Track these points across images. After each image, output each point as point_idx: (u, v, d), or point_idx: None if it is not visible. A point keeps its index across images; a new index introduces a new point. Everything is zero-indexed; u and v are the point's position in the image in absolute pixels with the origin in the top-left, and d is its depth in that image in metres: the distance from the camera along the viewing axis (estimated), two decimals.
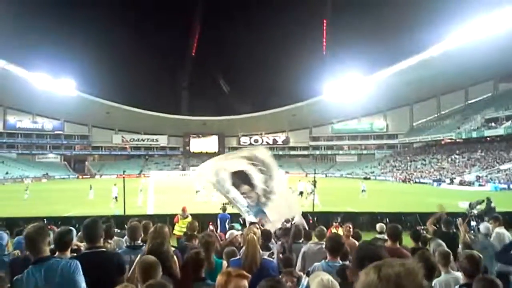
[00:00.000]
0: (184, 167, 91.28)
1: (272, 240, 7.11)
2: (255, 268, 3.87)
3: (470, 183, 49.66)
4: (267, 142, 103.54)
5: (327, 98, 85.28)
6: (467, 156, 63.94)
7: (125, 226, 8.65)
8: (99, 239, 3.61)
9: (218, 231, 10.75)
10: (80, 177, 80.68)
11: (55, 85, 74.06)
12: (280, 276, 3.86)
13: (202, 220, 13.25)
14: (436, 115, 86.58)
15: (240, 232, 7.67)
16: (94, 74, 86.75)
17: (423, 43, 63.96)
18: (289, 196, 8.50)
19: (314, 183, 22.59)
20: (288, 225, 8.26)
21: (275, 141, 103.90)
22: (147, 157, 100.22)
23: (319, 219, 15.85)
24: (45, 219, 13.75)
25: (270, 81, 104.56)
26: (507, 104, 64.97)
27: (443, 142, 76.92)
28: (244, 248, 4.18)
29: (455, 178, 54.07)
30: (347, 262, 4.57)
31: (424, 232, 7.91)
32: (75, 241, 5.45)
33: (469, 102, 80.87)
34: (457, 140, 70.81)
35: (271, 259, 4.49)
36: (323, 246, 4.80)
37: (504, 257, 4.71)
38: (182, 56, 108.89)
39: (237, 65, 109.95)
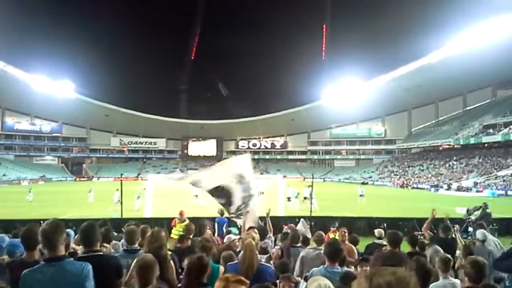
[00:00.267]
0: (182, 170, 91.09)
1: (270, 242, 7.10)
2: (252, 273, 3.85)
3: (467, 189, 49.73)
4: (265, 146, 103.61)
5: (326, 103, 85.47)
6: (464, 162, 64.02)
7: (122, 229, 8.62)
8: (96, 243, 3.58)
9: (216, 235, 10.73)
10: (78, 179, 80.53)
11: (53, 87, 74.16)
12: (278, 281, 3.84)
13: (200, 224, 13.20)
14: (434, 121, 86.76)
15: (238, 237, 7.66)
16: (92, 76, 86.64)
17: (422, 49, 64.33)
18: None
19: (311, 187, 22.58)
20: (289, 231, 8.25)
21: (273, 145, 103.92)
22: (145, 160, 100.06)
23: (316, 224, 15.83)
24: (41, 222, 13.70)
25: (269, 85, 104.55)
26: (505, 111, 65.19)
27: (441, 148, 77.06)
28: (241, 252, 4.17)
29: (452, 184, 54.12)
30: (351, 268, 4.57)
31: (422, 237, 7.90)
32: (72, 244, 5.45)
33: (467, 108, 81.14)
34: (455, 146, 70.95)
35: (268, 264, 4.47)
36: (322, 251, 4.78)
37: (499, 264, 4.70)
38: (181, 59, 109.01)
39: (236, 69, 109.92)
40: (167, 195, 27.67)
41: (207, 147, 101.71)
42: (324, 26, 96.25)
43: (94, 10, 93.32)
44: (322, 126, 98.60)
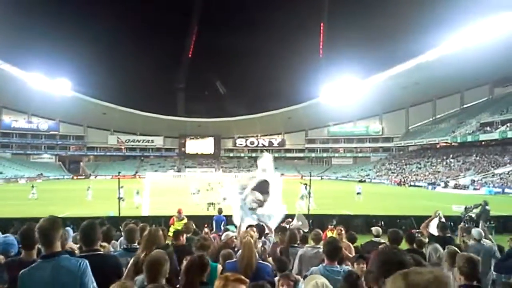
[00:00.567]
0: (180, 168, 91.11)
1: (268, 242, 7.10)
2: (251, 272, 3.85)
3: (464, 187, 49.89)
4: (263, 144, 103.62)
5: (323, 101, 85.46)
6: (462, 160, 64.17)
7: (120, 227, 8.62)
8: (97, 242, 3.58)
9: (213, 232, 10.74)
10: (75, 177, 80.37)
11: (50, 85, 73.92)
12: (277, 279, 3.84)
13: (198, 222, 13.21)
14: (431, 119, 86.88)
15: (235, 234, 7.66)
16: (90, 74, 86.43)
17: (420, 47, 64.33)
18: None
19: (307, 185, 22.62)
20: (287, 225, 8.26)
21: (271, 143, 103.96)
22: (142, 158, 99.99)
23: (314, 222, 15.84)
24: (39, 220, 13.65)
25: (266, 83, 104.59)
26: (502, 109, 65.33)
27: (438, 146, 77.20)
28: (240, 251, 4.17)
29: (449, 182, 54.25)
30: (348, 265, 4.57)
31: (419, 235, 7.91)
32: (70, 242, 5.43)
33: (465, 106, 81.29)
34: (452, 144, 71.00)
35: (266, 263, 4.47)
36: (320, 250, 4.78)
37: (500, 267, 4.70)
38: (178, 57, 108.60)
39: (234, 67, 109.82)
40: (165, 193, 27.75)
41: (205, 145, 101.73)
42: (322, 24, 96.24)
43: (92, 8, 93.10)
44: (320, 124, 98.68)
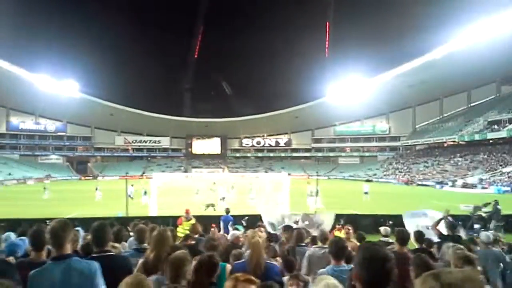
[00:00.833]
0: (187, 168, 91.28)
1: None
2: (260, 272, 3.85)
3: (472, 186, 49.56)
4: (269, 144, 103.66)
5: (330, 100, 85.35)
6: (469, 159, 63.76)
7: (127, 228, 8.66)
8: (108, 243, 3.61)
9: (221, 233, 10.75)
10: (83, 178, 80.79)
11: (58, 87, 74.51)
12: (286, 279, 3.84)
13: (205, 222, 13.23)
14: (438, 118, 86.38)
15: (241, 232, 7.69)
16: (97, 75, 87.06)
17: (426, 45, 64.13)
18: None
19: (316, 185, 22.61)
20: (294, 225, 8.26)
21: (277, 143, 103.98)
22: (149, 158, 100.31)
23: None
24: (47, 221, 13.73)
25: (272, 83, 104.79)
26: (509, 107, 64.82)
27: (445, 145, 76.70)
28: (249, 251, 4.17)
29: (457, 181, 53.91)
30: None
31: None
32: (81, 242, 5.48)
33: (472, 104, 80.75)
34: (460, 143, 70.54)
35: (274, 263, 4.47)
36: (328, 250, 4.78)
37: None
38: (184, 58, 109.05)
39: (240, 67, 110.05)
40: (172, 193, 27.81)
41: (211, 145, 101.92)
42: (327, 23, 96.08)
43: (98, 9, 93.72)
44: (326, 123, 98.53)
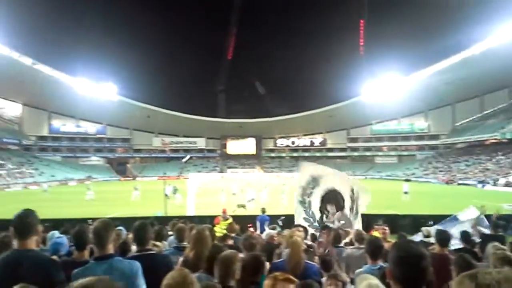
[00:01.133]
0: (222, 169, 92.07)
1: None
2: (299, 271, 3.85)
3: None
4: (304, 144, 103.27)
5: (366, 99, 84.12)
6: None
7: (166, 227, 8.83)
8: (149, 242, 3.69)
9: (258, 232, 10.78)
10: (122, 179, 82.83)
11: (97, 90, 76.80)
12: (324, 280, 3.82)
13: (241, 222, 13.30)
14: (479, 115, 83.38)
15: (275, 232, 7.69)
16: (134, 78, 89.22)
17: (465, 41, 62.25)
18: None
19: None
20: (331, 224, 8.19)
21: (312, 143, 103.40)
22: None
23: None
24: (88, 221, 14.13)
25: (307, 82, 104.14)
26: None
27: (487, 143, 74.03)
28: (287, 250, 4.17)
29: (499, 180, 52.07)
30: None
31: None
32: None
33: None
34: (502, 140, 67.97)
35: (313, 263, 4.46)
36: (364, 250, 4.73)
37: None
38: (219, 59, 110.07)
39: (274, 67, 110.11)
40: (208, 194, 28.13)
41: (246, 146, 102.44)
42: (362, 21, 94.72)
43: (135, 14, 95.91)
44: (362, 122, 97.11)
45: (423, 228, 7.86)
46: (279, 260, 4.40)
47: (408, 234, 8.20)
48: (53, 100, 79.21)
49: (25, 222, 2.85)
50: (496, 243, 5.88)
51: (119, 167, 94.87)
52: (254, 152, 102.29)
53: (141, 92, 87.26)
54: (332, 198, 8.81)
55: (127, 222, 11.63)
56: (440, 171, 70.66)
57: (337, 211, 8.64)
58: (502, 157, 63.32)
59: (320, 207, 9.07)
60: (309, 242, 6.94)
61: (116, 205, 28.71)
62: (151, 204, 25.86)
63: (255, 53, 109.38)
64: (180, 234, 4.87)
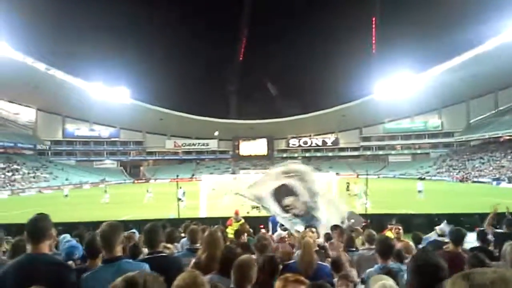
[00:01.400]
0: (234, 170, 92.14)
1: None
2: (311, 272, 3.85)
3: None
4: (316, 143, 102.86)
5: (378, 98, 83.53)
6: None
7: (180, 229, 8.89)
8: (159, 244, 3.71)
9: (270, 233, 10.77)
10: (136, 181, 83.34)
11: (110, 94, 77.44)
12: (335, 280, 3.82)
13: (254, 223, 13.34)
14: (494, 111, 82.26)
15: (286, 232, 7.69)
16: (147, 82, 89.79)
17: (478, 37, 61.54)
18: (332, 197, 8.65)
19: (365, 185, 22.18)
20: (344, 225, 8.13)
21: (324, 142, 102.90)
22: (198, 161, 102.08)
23: (373, 222, 15.52)
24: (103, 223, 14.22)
25: (318, 81, 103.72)
26: None
27: (502, 139, 73.04)
28: (300, 251, 4.18)
29: None
30: (403, 266, 4.46)
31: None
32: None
33: None
34: None
35: (325, 264, 4.46)
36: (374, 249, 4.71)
37: None
38: (230, 61, 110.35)
39: (285, 66, 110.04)
40: (221, 195, 28.18)
41: (258, 147, 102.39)
42: (374, 19, 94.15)
43: (148, 17, 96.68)
44: (375, 121, 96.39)
45: (437, 227, 7.77)
46: (291, 261, 4.41)
47: (422, 233, 8.12)
48: (67, 105, 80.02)
49: (38, 227, 2.88)
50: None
51: (133, 170, 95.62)
52: (266, 153, 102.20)
53: (154, 95, 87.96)
54: (282, 193, 8.46)
55: (140, 224, 11.74)
56: (454, 169, 69.91)
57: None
58: None
59: (282, 208, 8.73)
60: (321, 241, 6.94)
61: (129, 207, 28.95)
62: (164, 206, 26.01)
63: (266, 53, 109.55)
64: (193, 236, 4.89)
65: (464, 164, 70.08)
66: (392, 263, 4.15)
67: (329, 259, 5.42)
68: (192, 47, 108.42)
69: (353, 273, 4.38)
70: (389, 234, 8.79)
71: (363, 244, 6.48)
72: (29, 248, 2.85)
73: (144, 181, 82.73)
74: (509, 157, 62.99)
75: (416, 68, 74.12)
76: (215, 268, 3.50)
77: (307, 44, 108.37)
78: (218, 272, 3.41)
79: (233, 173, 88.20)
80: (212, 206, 21.64)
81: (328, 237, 7.07)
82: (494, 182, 52.13)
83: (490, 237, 6.82)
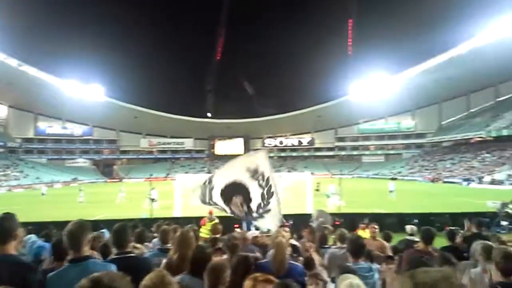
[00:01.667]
0: (210, 169, 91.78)
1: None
2: (283, 272, 3.86)
3: (500, 182, 48.48)
4: (292, 143, 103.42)
5: (353, 98, 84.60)
6: (497, 155, 62.25)
7: (151, 229, 8.80)
8: (128, 244, 3.66)
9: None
10: (109, 181, 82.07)
11: (84, 91, 75.99)
12: (306, 279, 3.84)
13: (228, 223, 13.28)
14: (465, 113, 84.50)
15: (259, 232, 7.69)
16: (121, 79, 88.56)
17: (452, 40, 63.06)
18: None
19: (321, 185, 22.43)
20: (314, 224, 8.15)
21: (300, 142, 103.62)
22: (173, 160, 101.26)
23: (346, 221, 15.70)
24: None
25: (295, 82, 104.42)
26: None
27: (472, 141, 75.03)
28: (272, 251, 4.18)
29: (484, 177, 52.83)
30: (374, 265, 4.52)
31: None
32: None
33: (499, 99, 78.74)
34: (487, 139, 68.96)
35: (297, 263, 4.47)
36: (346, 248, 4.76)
37: None
38: (207, 60, 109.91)
39: (262, 66, 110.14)
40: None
41: (234, 146, 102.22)
42: (350, 20, 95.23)
43: (122, 15, 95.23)
44: (350, 121, 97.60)
45: (407, 226, 7.92)
46: (263, 260, 4.40)
47: (393, 232, 8.25)
48: (39, 102, 78.35)
49: (3, 227, 2.80)
50: (482, 240, 5.98)
51: (106, 169, 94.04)
52: (242, 152, 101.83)
53: (129, 93, 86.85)
54: (233, 191, 7.93)
55: (112, 224, 11.53)
56: (426, 169, 71.39)
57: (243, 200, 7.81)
58: (487, 155, 64.21)
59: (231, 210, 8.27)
60: (295, 242, 6.96)
61: (102, 207, 28.45)
62: (137, 206, 25.74)
63: (244, 53, 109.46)
64: (164, 236, 4.86)
65: (436, 165, 71.64)
66: (363, 263, 4.20)
67: (301, 258, 5.46)
68: (169, 46, 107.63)
69: (324, 272, 4.42)
70: (361, 233, 8.91)
71: (334, 243, 6.54)
72: None
73: (117, 180, 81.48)
74: (479, 158, 64.70)
75: (392, 70, 75.48)
76: (186, 268, 3.47)
77: (284, 44, 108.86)
78: (189, 272, 3.38)
79: (209, 172, 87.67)
80: (186, 206, 21.49)
81: (299, 236, 7.11)
82: (465, 183, 53.36)
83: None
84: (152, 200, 23.76)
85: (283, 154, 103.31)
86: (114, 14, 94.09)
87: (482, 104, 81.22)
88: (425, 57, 69.32)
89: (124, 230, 3.67)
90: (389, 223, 15.52)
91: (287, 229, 6.94)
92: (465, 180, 54.88)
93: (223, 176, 7.92)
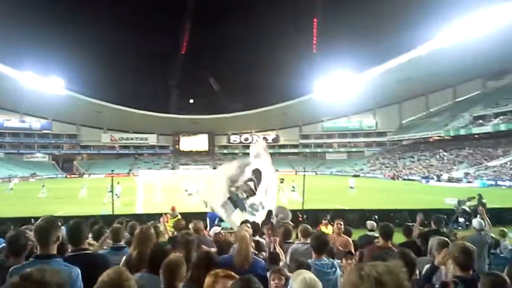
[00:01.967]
0: (174, 165, 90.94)
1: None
2: (248, 267, 3.84)
3: (458, 180, 50.20)
4: (257, 140, 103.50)
5: (317, 97, 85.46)
6: (455, 153, 64.51)
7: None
8: (84, 241, 3.55)
9: (208, 229, 10.69)
10: (69, 176, 79.86)
11: (43, 84, 73.31)
12: (268, 274, 3.83)
13: (192, 219, 13.14)
14: (424, 113, 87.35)
15: (220, 228, 7.66)
16: (83, 72, 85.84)
17: (413, 41, 64.41)
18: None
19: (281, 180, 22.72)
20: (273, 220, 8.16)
21: (265, 139, 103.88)
22: (136, 156, 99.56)
23: (308, 217, 15.90)
24: (32, 219, 13.49)
25: (260, 79, 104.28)
26: (495, 102, 65.76)
27: (431, 140, 77.57)
28: (236, 245, 4.15)
29: (442, 175, 54.60)
30: (335, 260, 4.56)
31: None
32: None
33: (458, 100, 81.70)
34: (445, 138, 71.40)
35: (260, 258, 4.46)
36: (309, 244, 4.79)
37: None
38: (172, 54, 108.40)
39: (227, 64, 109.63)
40: (162, 191, 27.66)
41: (199, 142, 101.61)
42: (315, 19, 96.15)
43: (83, 6, 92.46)
44: (314, 119, 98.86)
45: (368, 222, 8.06)
46: (226, 255, 4.37)
47: (354, 229, 8.38)
48: None
49: None
50: (439, 236, 6.16)
51: (65, 164, 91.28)
52: (207, 149, 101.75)
53: (90, 86, 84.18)
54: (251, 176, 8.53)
55: (70, 221, 11.19)
56: (386, 167, 73.22)
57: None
58: (445, 153, 66.42)
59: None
60: (258, 238, 6.95)
61: (62, 203, 27.70)
62: (99, 202, 25.20)
63: (209, 49, 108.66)
64: (116, 235, 4.76)
65: (396, 163, 73.57)
66: (325, 259, 4.23)
67: (264, 254, 5.46)
68: (133, 39, 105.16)
69: (285, 267, 4.42)
70: (323, 229, 9.01)
71: (297, 238, 6.57)
72: None
73: (77, 176, 79.39)
74: (438, 156, 66.86)
75: (355, 69, 76.52)
76: (145, 266, 3.40)
77: (250, 41, 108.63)
78: (148, 270, 3.31)
79: (173, 168, 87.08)
80: (149, 202, 21.20)
81: (261, 232, 7.11)
82: (423, 180, 54.96)
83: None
84: (117, 196, 23.31)
85: (247, 151, 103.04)
86: (76, 5, 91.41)
87: (441, 104, 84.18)
88: (386, 57, 70.76)
89: (79, 226, 3.56)
90: (351, 219, 15.77)
91: (249, 225, 6.92)
92: (424, 177, 56.53)
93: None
